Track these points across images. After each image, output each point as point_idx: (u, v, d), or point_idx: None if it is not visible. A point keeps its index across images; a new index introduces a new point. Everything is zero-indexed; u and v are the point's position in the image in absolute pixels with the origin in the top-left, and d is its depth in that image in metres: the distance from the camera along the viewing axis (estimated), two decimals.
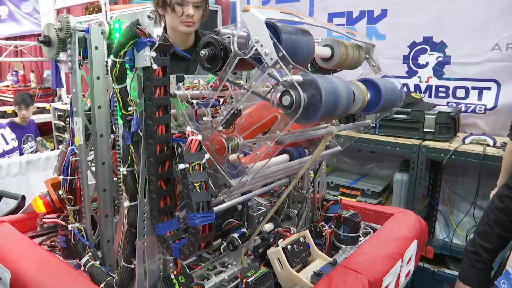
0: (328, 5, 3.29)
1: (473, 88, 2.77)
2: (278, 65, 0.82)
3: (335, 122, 1.32)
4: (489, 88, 2.69)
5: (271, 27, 0.91)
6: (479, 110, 2.74)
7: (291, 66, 0.85)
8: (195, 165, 0.88)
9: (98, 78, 1.14)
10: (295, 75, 0.83)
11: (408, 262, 1.36)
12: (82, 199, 1.18)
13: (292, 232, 1.37)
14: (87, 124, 1.15)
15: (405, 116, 2.61)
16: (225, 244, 1.31)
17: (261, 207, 1.56)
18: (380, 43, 3.05)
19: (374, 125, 2.66)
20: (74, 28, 1.10)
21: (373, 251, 1.26)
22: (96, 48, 1.13)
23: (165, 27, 1.91)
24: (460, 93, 2.82)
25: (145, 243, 0.97)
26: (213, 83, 1.02)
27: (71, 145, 1.18)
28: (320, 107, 0.82)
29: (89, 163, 1.19)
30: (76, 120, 1.16)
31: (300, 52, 0.96)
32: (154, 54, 0.90)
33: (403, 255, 1.30)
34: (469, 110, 2.78)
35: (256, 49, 0.85)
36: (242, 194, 1.34)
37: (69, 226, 1.21)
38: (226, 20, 4.04)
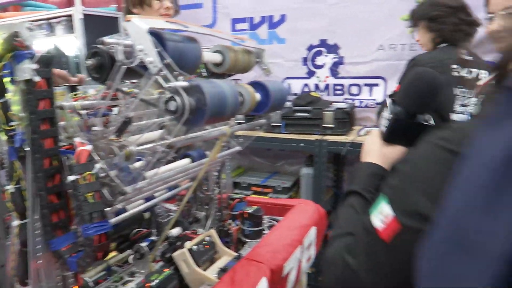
0: (230, 11, 3.39)
1: (365, 85, 3.06)
2: (163, 72, 0.86)
3: (233, 123, 1.38)
4: (377, 85, 2.99)
5: (157, 35, 0.95)
6: (371, 105, 3.03)
7: (177, 72, 0.89)
8: (86, 175, 0.88)
9: None
10: (181, 81, 0.88)
11: (308, 248, 1.48)
12: None
13: (199, 233, 1.40)
14: None
15: (307, 114, 2.80)
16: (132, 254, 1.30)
17: (170, 213, 1.57)
18: (281, 46, 3.23)
19: (279, 124, 2.82)
20: None
21: (275, 241, 1.34)
22: None
23: None
24: (354, 90, 3.09)
25: (39, 261, 0.94)
26: (103, 92, 1.03)
27: None
28: (206, 110, 0.87)
29: None
30: None
31: (188, 59, 1.00)
32: (35, 66, 0.89)
33: (303, 242, 1.41)
34: (362, 105, 3.06)
35: (141, 57, 0.88)
36: (147, 201, 1.34)
37: None
38: None
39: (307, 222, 1.49)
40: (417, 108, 0.90)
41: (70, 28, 3.74)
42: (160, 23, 0.99)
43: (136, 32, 0.89)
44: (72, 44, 3.65)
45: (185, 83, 0.87)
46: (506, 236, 0.41)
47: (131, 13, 2.10)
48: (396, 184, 0.67)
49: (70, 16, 3.62)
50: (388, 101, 0.92)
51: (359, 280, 0.67)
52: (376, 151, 0.93)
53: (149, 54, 0.88)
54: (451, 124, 0.63)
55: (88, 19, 3.57)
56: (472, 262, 0.44)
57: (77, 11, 3.48)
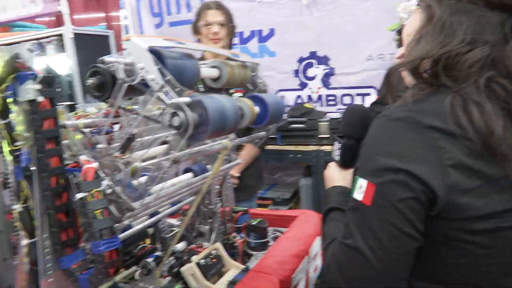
0: None
1: (357, 94, 3.10)
2: (165, 89, 0.87)
3: (232, 137, 1.39)
4: (369, 94, 3.03)
5: (156, 53, 0.97)
6: None
7: (178, 89, 0.91)
8: (94, 193, 0.89)
9: None
10: (183, 97, 0.90)
11: (314, 258, 1.48)
12: None
13: (204, 247, 1.41)
14: None
15: (302, 125, 2.83)
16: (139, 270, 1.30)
17: (173, 228, 1.57)
18: (272, 59, 3.27)
19: (275, 136, 2.85)
20: None
21: (281, 252, 1.35)
22: None
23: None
24: (347, 100, 3.13)
25: (50, 280, 0.94)
26: (106, 110, 1.04)
27: None
28: (208, 125, 0.88)
29: None
30: None
31: (186, 75, 1.02)
32: (38, 86, 0.90)
33: (309, 252, 1.42)
34: None
35: (142, 75, 0.90)
36: (151, 216, 1.35)
37: None
38: (119, 45, 3.99)
39: (311, 232, 1.50)
40: (355, 133, 1.07)
41: (60, 47, 3.75)
42: (158, 41, 1.01)
43: (136, 51, 0.91)
44: (63, 63, 3.66)
45: (187, 99, 0.89)
46: None
47: (199, 41, 2.31)
48: (361, 162, 0.79)
49: (60, 35, 3.64)
50: (335, 136, 1.14)
51: (361, 254, 0.74)
52: (336, 177, 1.09)
53: (150, 71, 0.90)
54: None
55: (79, 38, 3.59)
56: None
57: (67, 31, 3.50)
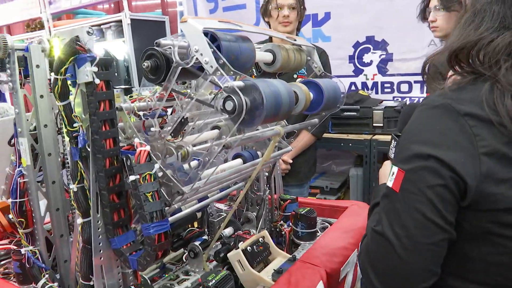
0: None
1: (415, 82, 2.93)
2: (219, 72, 0.85)
3: (284, 123, 1.36)
4: None
5: (211, 36, 0.95)
6: None
7: (232, 72, 0.88)
8: (146, 175, 0.89)
9: (41, 96, 1.12)
10: (237, 80, 0.87)
11: None
12: (34, 220, 1.15)
13: (252, 234, 1.40)
14: (34, 144, 1.13)
15: (355, 113, 2.73)
16: (186, 252, 1.32)
17: (221, 213, 1.58)
18: (326, 44, 3.15)
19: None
20: (12, 47, 1.08)
21: (330, 243, 1.31)
22: (38, 66, 1.11)
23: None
24: (404, 87, 2.97)
25: (101, 259, 0.96)
26: (159, 94, 1.04)
27: (18, 167, 1.16)
28: (262, 110, 0.85)
29: (39, 183, 1.17)
30: (22, 140, 1.13)
31: (241, 58, 0.99)
32: (95, 69, 0.91)
33: (359, 245, 1.36)
34: None
35: (196, 58, 0.88)
36: (200, 201, 1.35)
37: (23, 250, 1.17)
38: (174, 31, 4.04)
39: (362, 224, 1.44)
40: None
41: (119, 33, 3.88)
42: (214, 23, 0.99)
43: (191, 33, 0.89)
44: (121, 49, 3.78)
45: (241, 83, 0.86)
46: None
47: (267, 23, 2.30)
48: (396, 151, 0.81)
49: (119, 21, 3.75)
50: (392, 134, 1.11)
51: (387, 240, 0.73)
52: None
53: (204, 54, 0.87)
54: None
55: (135, 24, 3.68)
56: None
57: (126, 16, 3.60)
